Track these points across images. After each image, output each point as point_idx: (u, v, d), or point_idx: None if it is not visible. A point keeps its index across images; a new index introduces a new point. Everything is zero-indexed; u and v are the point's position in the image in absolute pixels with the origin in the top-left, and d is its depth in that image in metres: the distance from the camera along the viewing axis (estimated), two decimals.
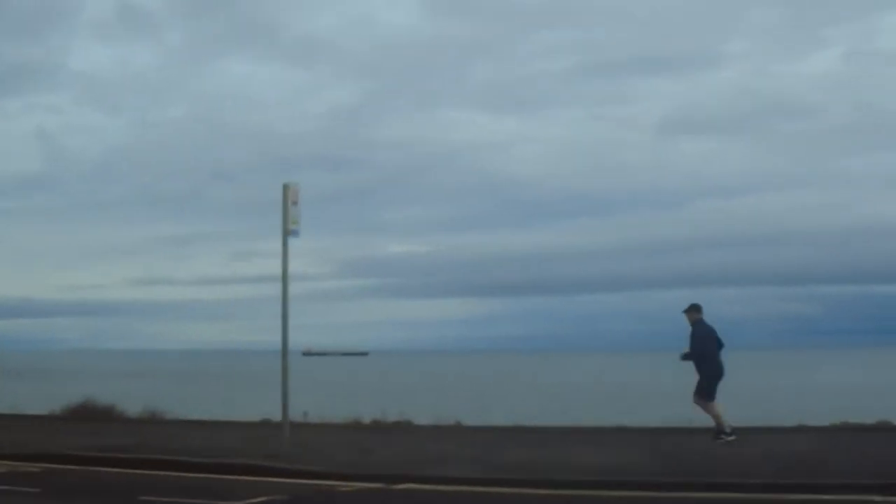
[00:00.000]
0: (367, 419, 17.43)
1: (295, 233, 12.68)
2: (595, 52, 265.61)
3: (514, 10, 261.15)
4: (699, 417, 14.65)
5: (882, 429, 15.50)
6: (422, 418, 17.19)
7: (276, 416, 19.98)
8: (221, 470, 11.74)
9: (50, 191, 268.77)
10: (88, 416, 22.86)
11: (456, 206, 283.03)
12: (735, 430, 13.68)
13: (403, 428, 16.60)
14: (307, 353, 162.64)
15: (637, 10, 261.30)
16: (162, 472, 11.85)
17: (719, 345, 14.28)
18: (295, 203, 12.63)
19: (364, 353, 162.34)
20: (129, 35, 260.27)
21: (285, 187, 12.61)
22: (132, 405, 23.65)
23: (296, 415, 19.02)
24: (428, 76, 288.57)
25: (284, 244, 12.69)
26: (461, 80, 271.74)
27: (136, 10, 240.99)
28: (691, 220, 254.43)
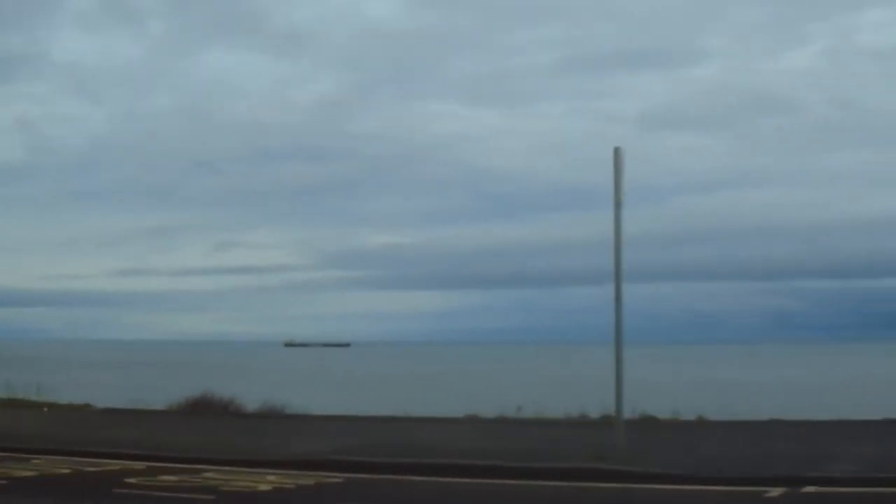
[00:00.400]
0: (593, 414, 15.97)
1: (620, 204, 11.11)
2: (577, 47, 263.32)
3: (497, 4, 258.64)
4: None
5: None
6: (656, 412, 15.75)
7: (454, 411, 18.71)
8: (596, 477, 10.16)
9: (32, 180, 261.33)
10: (206, 409, 21.34)
11: (437, 199, 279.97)
12: None
13: (653, 422, 15.15)
14: (289, 344, 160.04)
15: (619, 5, 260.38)
16: (520, 482, 10.23)
17: None
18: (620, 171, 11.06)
19: (346, 345, 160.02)
20: (113, 25, 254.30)
21: (617, 152, 11.02)
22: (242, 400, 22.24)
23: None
24: (411, 68, 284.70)
25: (617, 215, 11.10)
26: (444, 73, 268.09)
27: (120, 1, 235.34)
28: (673, 214, 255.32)
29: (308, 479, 10.63)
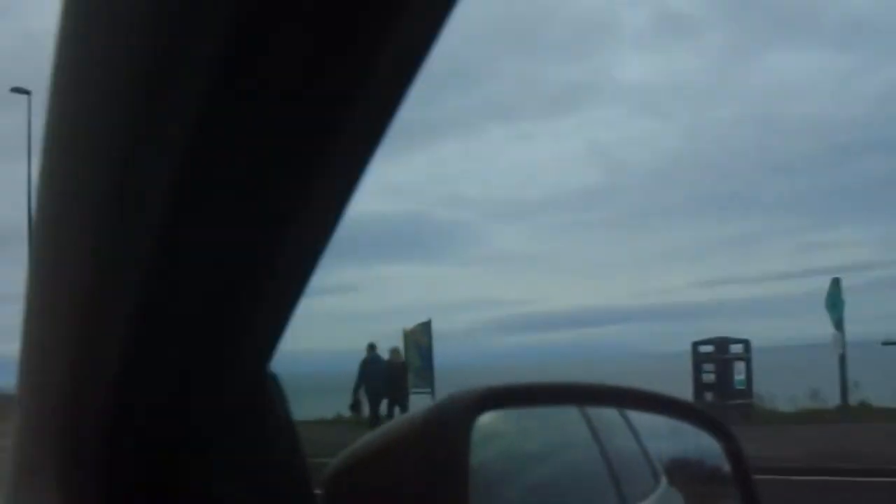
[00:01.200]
0: None
1: None
2: None
3: None
4: None
5: None
6: None
7: None
8: None
9: (611, 202, 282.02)
10: None
11: None
12: None
13: None
14: (887, 343, 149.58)
15: None
16: None
17: None
18: None
19: None
20: (671, 41, 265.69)
21: None
22: None
23: None
24: None
25: None
26: None
27: (674, 16, 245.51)
28: None
29: None
